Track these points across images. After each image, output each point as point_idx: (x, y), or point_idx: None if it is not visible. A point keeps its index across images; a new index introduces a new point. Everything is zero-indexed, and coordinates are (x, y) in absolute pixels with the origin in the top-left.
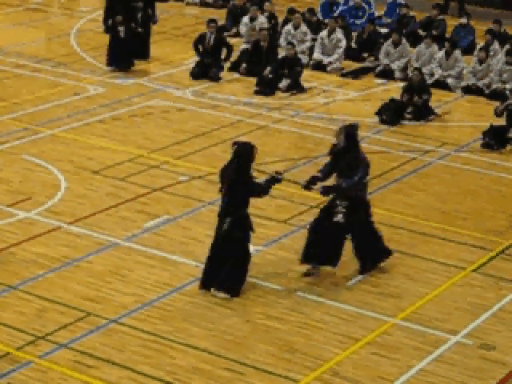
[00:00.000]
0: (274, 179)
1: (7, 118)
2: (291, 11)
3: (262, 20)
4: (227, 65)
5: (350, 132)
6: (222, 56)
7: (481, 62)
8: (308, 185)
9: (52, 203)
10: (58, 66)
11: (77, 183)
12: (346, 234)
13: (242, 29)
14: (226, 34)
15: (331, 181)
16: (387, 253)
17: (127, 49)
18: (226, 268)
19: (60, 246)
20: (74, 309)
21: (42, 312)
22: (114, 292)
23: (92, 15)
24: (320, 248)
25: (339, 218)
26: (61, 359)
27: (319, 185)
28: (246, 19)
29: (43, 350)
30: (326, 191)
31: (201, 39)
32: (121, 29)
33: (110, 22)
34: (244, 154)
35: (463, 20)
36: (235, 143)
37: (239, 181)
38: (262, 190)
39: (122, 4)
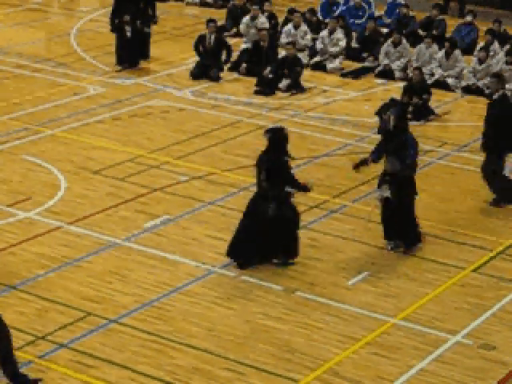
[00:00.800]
0: (304, 186)
1: (7, 118)
2: (291, 11)
3: (262, 20)
4: (227, 65)
5: (400, 113)
6: (222, 58)
7: (481, 61)
8: (359, 166)
9: (52, 203)
10: (58, 66)
11: (77, 183)
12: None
13: (243, 28)
14: (226, 33)
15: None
16: (417, 239)
17: (133, 48)
18: (283, 243)
19: (60, 245)
20: (74, 309)
21: (42, 312)
22: (114, 292)
23: (92, 15)
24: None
25: (387, 193)
26: (61, 359)
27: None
28: (246, 19)
29: (43, 350)
30: (381, 183)
31: (201, 40)
32: (127, 28)
33: (116, 21)
34: (278, 138)
35: (468, 17)
36: (267, 131)
37: (277, 167)
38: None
39: (129, 4)
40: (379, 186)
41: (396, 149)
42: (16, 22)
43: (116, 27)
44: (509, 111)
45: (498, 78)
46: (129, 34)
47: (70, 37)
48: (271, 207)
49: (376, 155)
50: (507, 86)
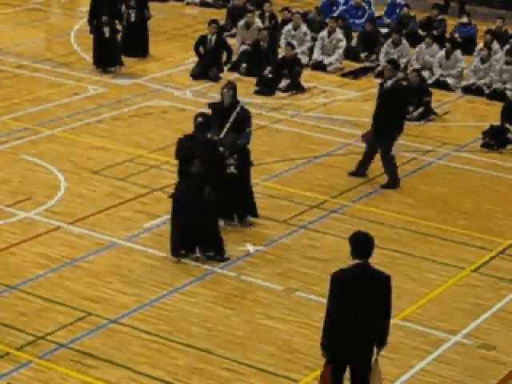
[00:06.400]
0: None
1: (7, 118)
2: (285, 10)
3: (257, 25)
4: (227, 66)
5: (235, 90)
6: (223, 59)
7: (483, 60)
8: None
9: (52, 203)
10: (58, 66)
11: (77, 183)
12: (240, 183)
13: (238, 32)
14: (225, 33)
15: None
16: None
17: (112, 49)
18: (208, 231)
19: (60, 245)
20: (74, 309)
21: (42, 312)
22: (114, 292)
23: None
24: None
25: (232, 169)
26: (61, 359)
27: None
28: (241, 24)
29: (43, 350)
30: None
31: (202, 41)
32: (106, 29)
33: (94, 22)
34: (207, 124)
35: (464, 19)
36: (197, 116)
37: (210, 153)
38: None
39: (107, 4)
40: (225, 165)
41: (236, 122)
42: (16, 21)
43: (94, 28)
44: (401, 97)
45: (394, 64)
46: (107, 34)
47: (70, 37)
48: (207, 191)
49: (215, 133)
50: (507, 85)
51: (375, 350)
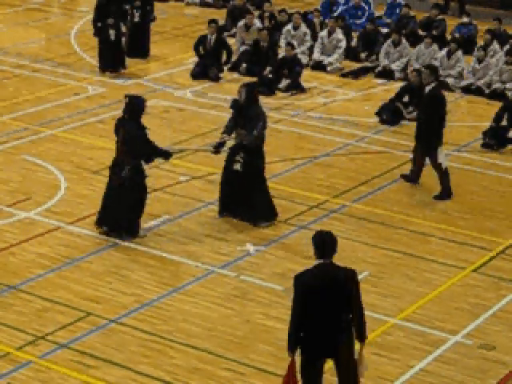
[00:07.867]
0: (167, 152)
1: (7, 118)
2: (283, 12)
3: (256, 27)
4: (227, 66)
5: (250, 89)
6: (223, 59)
7: (480, 60)
8: (218, 149)
9: (52, 203)
10: (58, 66)
11: (77, 183)
12: (246, 182)
13: (238, 34)
14: (225, 33)
15: None
16: (275, 214)
17: (117, 52)
18: (125, 212)
19: (60, 245)
20: (74, 309)
21: (42, 312)
22: (114, 292)
23: (92, 15)
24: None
25: (237, 167)
26: (61, 359)
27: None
28: (240, 25)
29: (43, 350)
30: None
31: (201, 41)
32: (111, 32)
33: (99, 25)
34: (136, 106)
35: (465, 19)
36: (126, 96)
37: (135, 133)
38: (162, 152)
39: (112, 7)
40: (233, 161)
41: (248, 122)
42: (16, 22)
43: (99, 31)
44: (440, 103)
45: (431, 69)
46: (112, 37)
47: (70, 37)
48: (126, 170)
49: (229, 132)
50: (507, 85)
51: (358, 346)
